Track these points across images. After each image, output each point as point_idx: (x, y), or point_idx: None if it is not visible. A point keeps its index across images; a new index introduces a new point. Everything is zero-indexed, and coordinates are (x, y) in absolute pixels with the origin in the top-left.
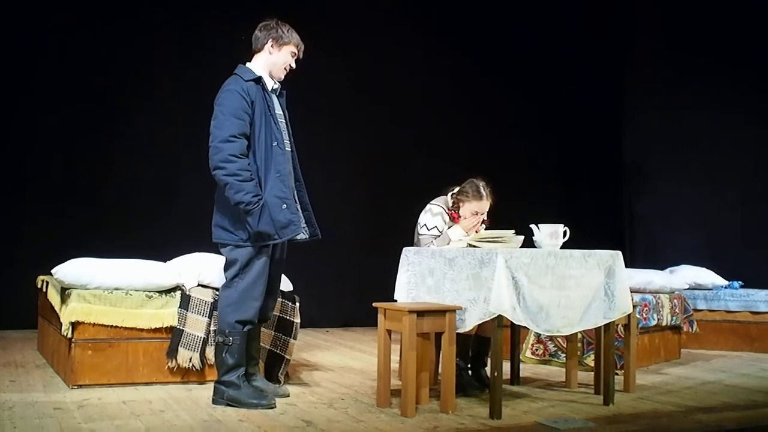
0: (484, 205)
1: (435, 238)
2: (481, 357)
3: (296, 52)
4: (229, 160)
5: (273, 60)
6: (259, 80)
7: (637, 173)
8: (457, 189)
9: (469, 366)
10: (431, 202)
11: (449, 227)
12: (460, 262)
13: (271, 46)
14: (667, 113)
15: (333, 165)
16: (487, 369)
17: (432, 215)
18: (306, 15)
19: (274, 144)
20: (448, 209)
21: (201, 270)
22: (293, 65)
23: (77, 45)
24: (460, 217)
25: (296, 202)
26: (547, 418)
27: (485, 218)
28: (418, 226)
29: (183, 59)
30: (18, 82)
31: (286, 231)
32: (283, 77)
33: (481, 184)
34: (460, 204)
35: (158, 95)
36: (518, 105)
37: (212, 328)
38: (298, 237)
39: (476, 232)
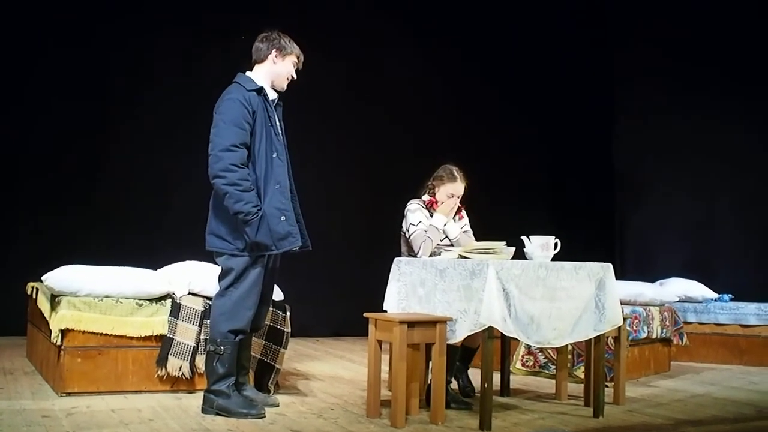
0: (459, 186)
1: (426, 231)
2: (464, 363)
3: (297, 62)
4: (230, 170)
5: (277, 70)
6: (260, 90)
7: (627, 184)
8: (430, 180)
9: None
10: (407, 205)
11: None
12: (451, 273)
13: (276, 56)
14: (658, 123)
15: (324, 172)
16: (470, 375)
17: (412, 213)
18: (297, 19)
19: (274, 155)
20: (424, 202)
21: (192, 278)
22: (295, 75)
23: (72, 47)
24: (437, 202)
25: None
26: (537, 429)
27: (460, 206)
28: (406, 232)
29: (177, 66)
30: (12, 86)
31: (283, 242)
32: (285, 87)
33: (455, 168)
34: (436, 189)
35: (153, 101)
36: (508, 114)
37: (202, 336)
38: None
39: (458, 217)
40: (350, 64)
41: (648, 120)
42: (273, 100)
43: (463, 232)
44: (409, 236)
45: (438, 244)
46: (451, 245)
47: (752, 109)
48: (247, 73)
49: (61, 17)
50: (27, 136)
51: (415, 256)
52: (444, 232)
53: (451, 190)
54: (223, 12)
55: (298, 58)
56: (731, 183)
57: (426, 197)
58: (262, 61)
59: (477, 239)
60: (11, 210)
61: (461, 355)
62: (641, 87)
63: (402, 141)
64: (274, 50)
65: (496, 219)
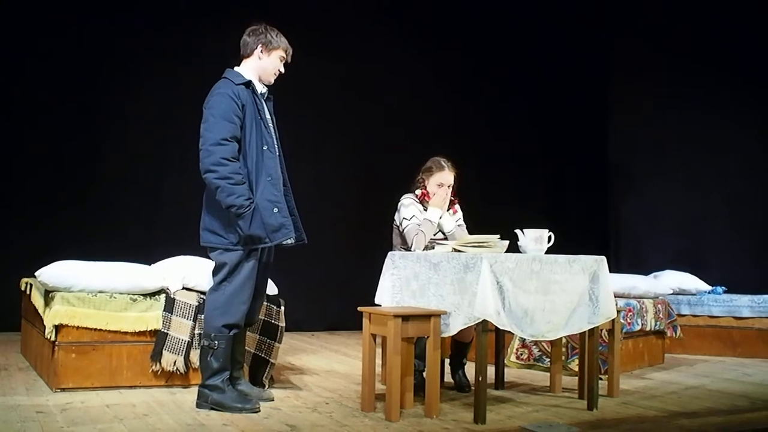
0: (447, 175)
1: (419, 225)
2: (459, 359)
3: (285, 56)
4: (221, 163)
5: (263, 65)
6: (249, 84)
7: (621, 177)
8: (420, 173)
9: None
10: (400, 199)
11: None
12: (445, 266)
13: (261, 51)
14: (653, 118)
15: (319, 168)
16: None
17: (405, 207)
18: (292, 17)
19: (265, 148)
20: (417, 197)
21: (186, 273)
22: (282, 70)
23: (66, 45)
24: (428, 194)
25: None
26: (531, 422)
27: (454, 199)
28: (399, 226)
29: (170, 61)
30: (5, 84)
31: (277, 234)
32: (273, 81)
33: (442, 158)
34: (426, 182)
35: (145, 98)
36: (503, 108)
37: (197, 331)
38: (286, 242)
39: (452, 211)
40: (346, 59)
41: (643, 114)
42: (262, 94)
43: (458, 226)
44: (403, 230)
45: (432, 238)
46: (446, 239)
47: (747, 104)
48: (235, 68)
49: (56, 17)
50: (21, 134)
51: (407, 249)
52: (439, 225)
53: (440, 179)
54: (217, 9)
55: (285, 52)
56: (725, 177)
57: (419, 191)
58: (248, 55)
59: (471, 233)
60: (5, 206)
61: (454, 351)
62: (637, 82)
63: (396, 135)
64: (260, 45)
65: (490, 212)
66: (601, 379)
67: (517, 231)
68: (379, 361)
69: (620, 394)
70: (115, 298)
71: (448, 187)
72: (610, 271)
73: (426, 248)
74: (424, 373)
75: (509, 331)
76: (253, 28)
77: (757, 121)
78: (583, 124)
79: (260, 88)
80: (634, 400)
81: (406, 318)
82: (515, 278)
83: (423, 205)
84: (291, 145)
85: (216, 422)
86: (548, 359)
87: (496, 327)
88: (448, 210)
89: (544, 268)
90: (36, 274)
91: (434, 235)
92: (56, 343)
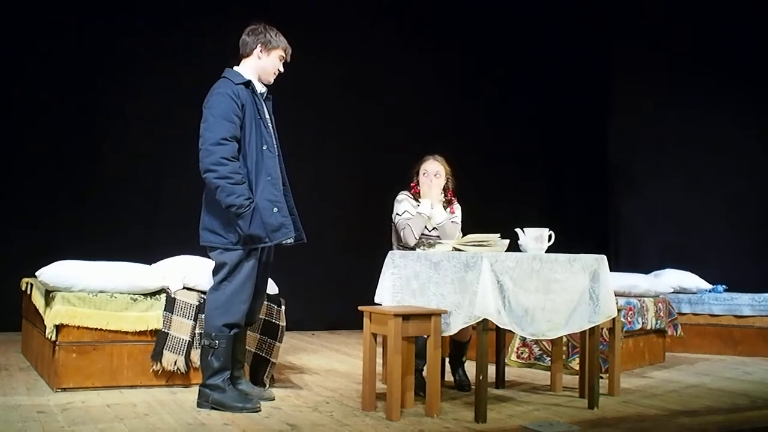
0: (431, 163)
1: (409, 220)
2: (458, 358)
3: (284, 55)
4: (221, 163)
5: (262, 64)
6: (248, 84)
7: (621, 177)
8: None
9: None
10: (396, 196)
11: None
12: (445, 265)
13: (260, 50)
14: (652, 117)
15: (319, 168)
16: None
17: (398, 203)
18: (292, 17)
19: (264, 147)
20: (410, 192)
21: (186, 273)
22: (282, 69)
23: (66, 45)
24: (417, 186)
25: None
26: (532, 421)
27: (452, 199)
28: (394, 223)
29: (170, 61)
30: (5, 84)
31: (277, 234)
32: (272, 81)
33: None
34: (417, 177)
35: (145, 98)
36: (503, 108)
37: (197, 331)
38: (285, 241)
39: (450, 210)
40: (346, 59)
41: (643, 114)
42: (262, 94)
43: (452, 222)
44: (397, 228)
45: (428, 235)
46: (438, 236)
47: (747, 104)
48: (235, 68)
49: (56, 17)
50: (21, 134)
51: (402, 244)
52: (430, 216)
53: (425, 167)
54: (217, 9)
55: (285, 51)
56: (725, 177)
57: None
58: (248, 55)
59: (471, 232)
60: (5, 206)
61: (453, 351)
62: (637, 82)
63: (396, 135)
64: (259, 45)
65: (490, 211)
66: (601, 377)
67: (518, 230)
68: (379, 360)
69: (621, 393)
70: (115, 297)
71: (435, 175)
72: (610, 270)
73: (420, 243)
74: (424, 372)
75: (510, 330)
76: (252, 28)
77: (757, 121)
78: (583, 124)
79: (260, 88)
80: (635, 399)
81: (406, 317)
82: (516, 277)
83: (416, 200)
84: (291, 145)
85: (217, 422)
86: (549, 358)
87: (497, 326)
88: (446, 209)
89: (545, 267)
90: (36, 274)
91: (429, 230)
92: (57, 342)
